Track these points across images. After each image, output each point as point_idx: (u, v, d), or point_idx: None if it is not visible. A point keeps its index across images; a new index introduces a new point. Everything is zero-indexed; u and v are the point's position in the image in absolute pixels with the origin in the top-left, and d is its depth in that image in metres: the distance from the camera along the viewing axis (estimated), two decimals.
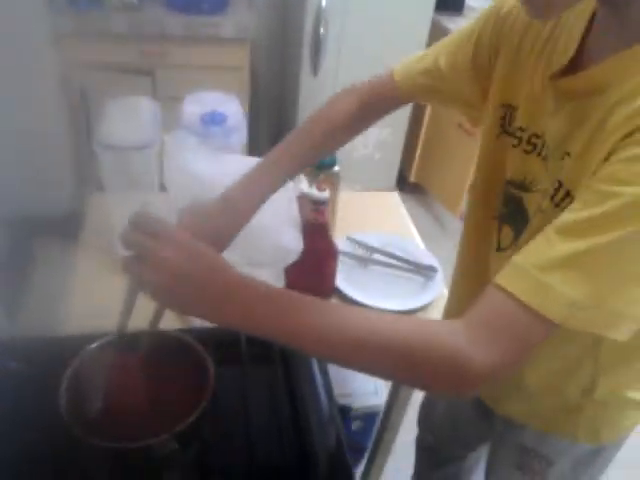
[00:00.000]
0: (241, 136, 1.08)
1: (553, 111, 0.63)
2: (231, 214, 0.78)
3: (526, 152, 0.68)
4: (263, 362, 0.88)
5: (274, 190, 0.82)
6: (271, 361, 0.88)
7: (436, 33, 2.24)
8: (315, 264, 1.06)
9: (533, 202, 0.67)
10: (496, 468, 0.91)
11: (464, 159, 2.47)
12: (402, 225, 1.38)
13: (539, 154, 0.66)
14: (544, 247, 0.51)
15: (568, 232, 0.50)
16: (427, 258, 1.23)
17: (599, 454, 0.80)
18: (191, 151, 0.97)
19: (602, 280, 0.49)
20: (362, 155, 2.51)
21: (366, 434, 1.47)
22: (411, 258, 1.23)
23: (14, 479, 0.67)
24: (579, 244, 0.49)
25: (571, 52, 0.61)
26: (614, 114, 0.52)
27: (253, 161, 1.03)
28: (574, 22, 0.62)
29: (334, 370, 1.46)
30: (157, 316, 0.62)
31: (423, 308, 1.13)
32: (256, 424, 0.79)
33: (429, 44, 0.92)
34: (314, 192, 0.99)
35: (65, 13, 2.02)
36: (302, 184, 1.02)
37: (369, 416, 1.43)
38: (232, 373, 0.85)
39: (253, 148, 2.44)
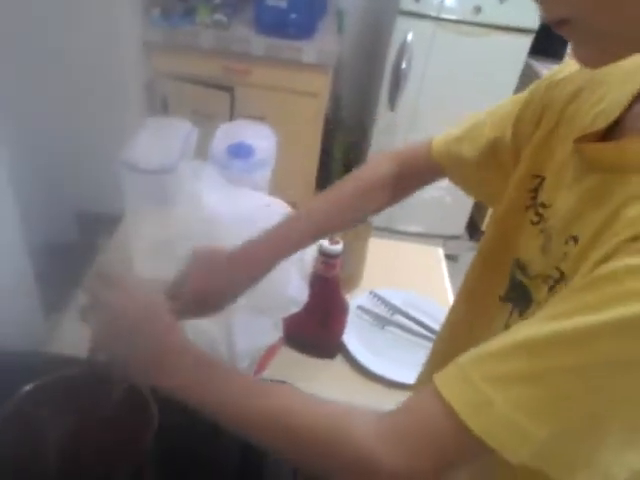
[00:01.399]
0: (266, 172, 1.04)
1: (570, 183, 0.53)
2: (238, 273, 0.74)
3: (541, 232, 0.58)
4: None
5: (285, 256, 0.76)
6: None
7: (528, 79, 2.10)
8: (319, 319, 0.99)
9: (535, 289, 0.57)
10: None
11: None
12: (439, 286, 1.28)
13: (546, 234, 0.56)
14: (500, 356, 0.43)
15: (533, 345, 0.41)
16: None
17: None
18: (206, 182, 0.94)
19: (558, 412, 0.40)
20: (432, 197, 2.40)
21: None
22: (437, 326, 1.12)
23: None
24: (539, 363, 0.41)
25: (612, 117, 0.51)
26: (629, 208, 0.42)
27: (269, 199, 0.99)
28: (624, 86, 0.52)
29: None
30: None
31: None
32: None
33: (518, 91, 0.81)
34: (326, 244, 0.93)
35: (159, 26, 2.10)
36: None
37: None
38: (196, 427, 0.80)
39: (323, 176, 2.43)
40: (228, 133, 1.06)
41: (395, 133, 2.22)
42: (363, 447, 0.45)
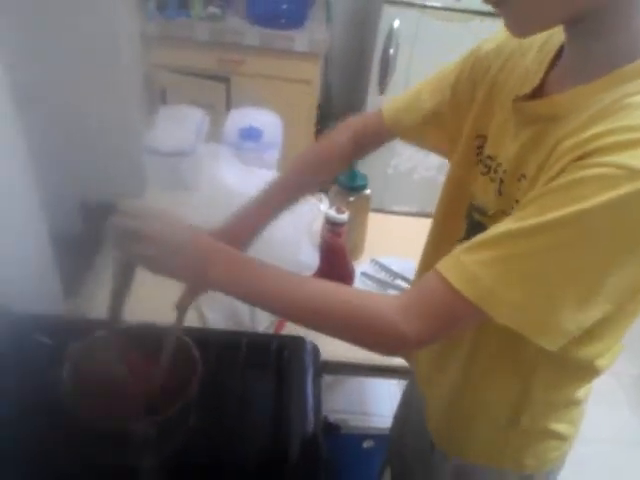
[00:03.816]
0: (275, 152, 1.14)
1: (513, 136, 0.66)
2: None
3: (491, 180, 0.71)
4: (259, 368, 0.93)
5: (267, 223, 0.88)
6: (267, 368, 0.93)
7: None
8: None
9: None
10: None
11: None
12: None
13: (496, 180, 0.69)
14: (483, 245, 0.57)
15: (502, 237, 0.55)
16: None
17: None
18: (223, 162, 1.04)
19: (524, 282, 0.54)
20: (423, 177, 2.52)
21: (376, 455, 1.48)
22: None
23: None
24: (510, 249, 0.54)
25: (537, 81, 0.65)
26: (564, 142, 0.56)
27: None
28: (543, 56, 0.66)
29: (351, 388, 1.49)
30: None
31: None
32: (239, 426, 0.84)
33: None
34: (333, 213, 1.03)
35: (154, 19, 2.18)
36: (322, 204, 1.07)
37: (382, 438, 1.44)
38: (227, 375, 0.90)
39: None
40: (238, 118, 1.16)
41: None
42: (387, 318, 0.58)
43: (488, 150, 0.72)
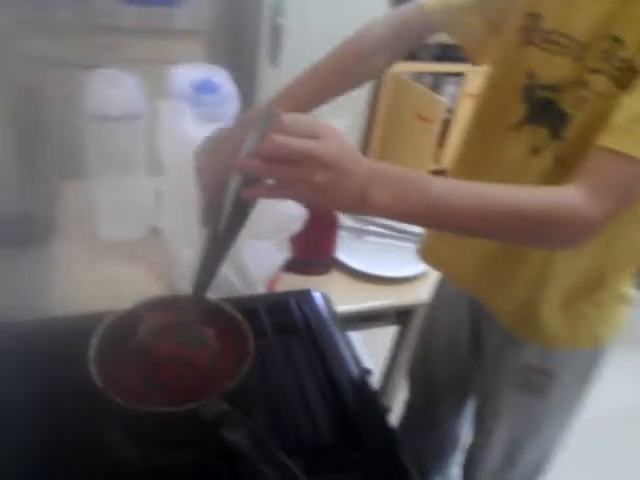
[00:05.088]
0: (234, 105, 1.05)
1: None
2: None
3: (555, 54, 0.68)
4: (285, 332, 0.84)
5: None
6: (293, 330, 0.85)
7: None
8: (319, 235, 1.04)
9: (568, 99, 0.68)
10: (492, 393, 0.89)
11: (423, 149, 2.52)
12: None
13: (568, 53, 0.67)
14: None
15: None
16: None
17: (599, 357, 0.80)
18: (185, 119, 0.93)
19: None
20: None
21: None
22: (402, 227, 1.23)
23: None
24: None
25: None
26: None
27: None
28: None
29: None
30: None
31: (420, 276, 1.14)
32: (294, 389, 0.75)
33: None
34: None
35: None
36: None
37: None
38: (261, 342, 0.80)
39: None
40: (185, 74, 1.05)
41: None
42: (576, 208, 0.56)
43: (549, 24, 0.68)
